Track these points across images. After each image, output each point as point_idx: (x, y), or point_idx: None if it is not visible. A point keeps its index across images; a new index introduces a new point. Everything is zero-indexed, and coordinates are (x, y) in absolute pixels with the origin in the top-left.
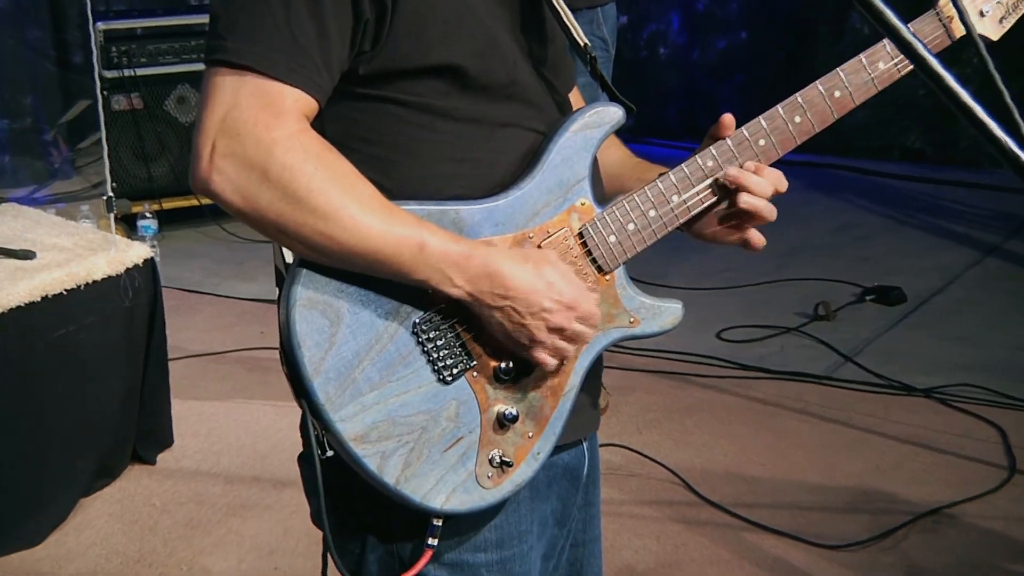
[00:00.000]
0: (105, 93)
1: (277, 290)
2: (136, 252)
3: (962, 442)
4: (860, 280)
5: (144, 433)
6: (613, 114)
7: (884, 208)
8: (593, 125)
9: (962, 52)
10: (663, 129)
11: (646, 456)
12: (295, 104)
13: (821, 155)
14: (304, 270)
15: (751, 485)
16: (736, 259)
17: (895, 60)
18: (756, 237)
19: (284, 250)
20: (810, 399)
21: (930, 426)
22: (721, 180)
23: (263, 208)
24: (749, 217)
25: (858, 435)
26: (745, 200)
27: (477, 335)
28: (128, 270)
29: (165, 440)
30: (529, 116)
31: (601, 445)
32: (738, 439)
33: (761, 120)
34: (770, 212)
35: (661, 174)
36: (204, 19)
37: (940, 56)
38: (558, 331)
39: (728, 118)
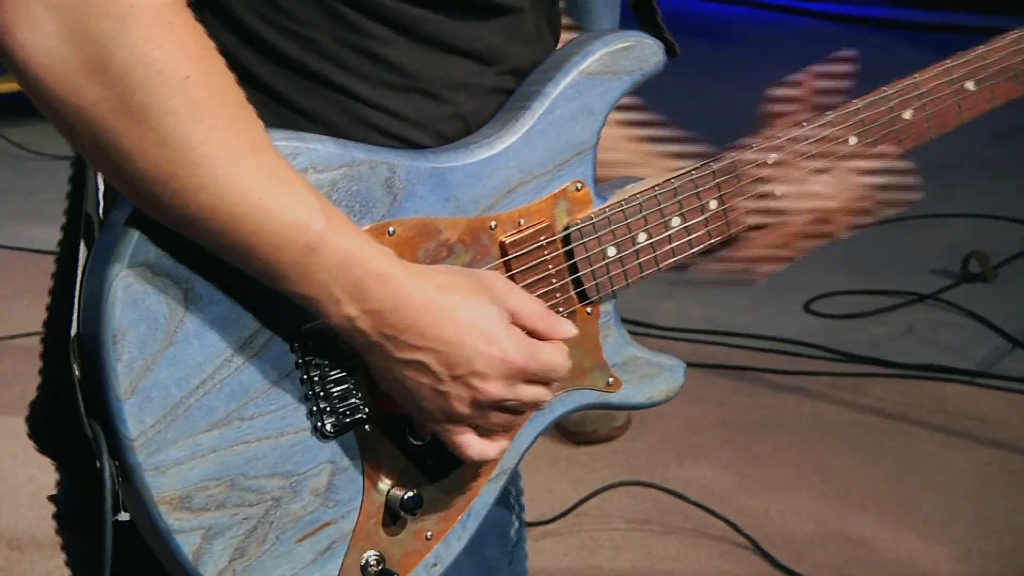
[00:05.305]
0: None
1: (84, 247)
2: None
3: None
4: None
5: None
6: (652, 55)
7: None
8: (619, 68)
9: None
10: None
11: (692, 502)
12: None
13: (974, 12)
14: (142, 223)
15: (860, 548)
16: None
17: None
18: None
19: (101, 183)
20: (955, 408)
21: None
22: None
23: (84, 107)
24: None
25: None
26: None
27: None
28: None
29: None
30: (504, 44)
31: (620, 484)
32: (839, 474)
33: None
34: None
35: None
36: None
37: None
38: (493, 407)
39: (809, 82)
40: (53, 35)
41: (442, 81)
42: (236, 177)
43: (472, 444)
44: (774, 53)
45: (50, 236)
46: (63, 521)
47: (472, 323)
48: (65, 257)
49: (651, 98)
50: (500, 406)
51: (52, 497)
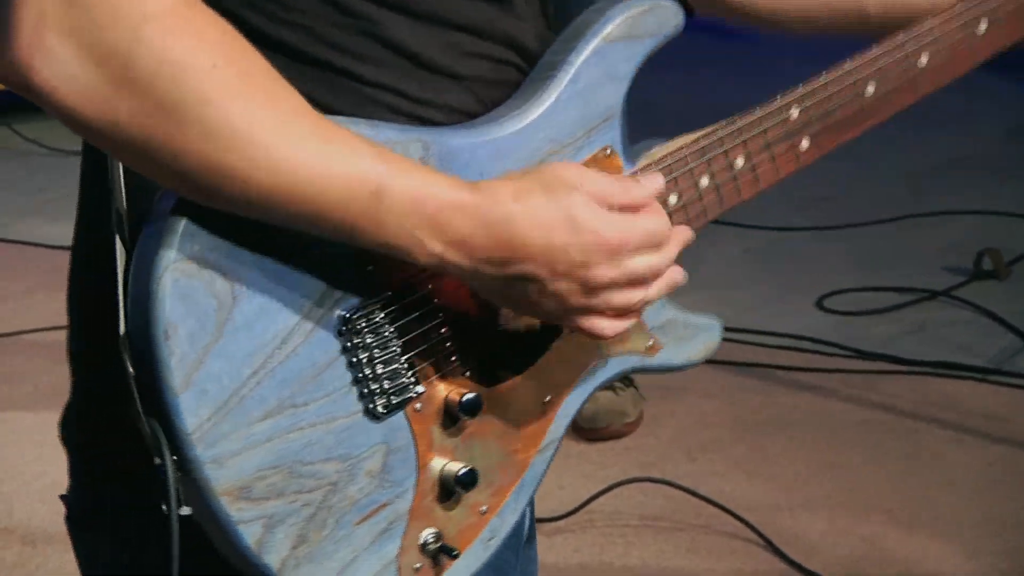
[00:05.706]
0: None
1: (119, 242)
2: None
3: None
4: None
5: None
6: (672, 16)
7: None
8: (641, 31)
9: None
10: None
11: (704, 498)
12: None
13: None
14: (185, 217)
15: (871, 545)
16: (844, 178)
17: None
18: None
19: (124, 180)
20: (967, 405)
21: None
22: None
23: (120, 120)
24: None
25: None
26: None
27: (431, 346)
28: None
29: None
30: (498, 17)
31: (632, 480)
32: (851, 471)
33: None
34: None
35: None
36: None
37: None
38: (608, 288)
39: None
40: (71, 59)
41: (445, 55)
42: (287, 147)
43: (604, 326)
44: (784, 48)
45: (63, 232)
46: (73, 520)
47: (557, 219)
48: (89, 255)
49: (658, 95)
50: (615, 285)
51: (63, 497)
